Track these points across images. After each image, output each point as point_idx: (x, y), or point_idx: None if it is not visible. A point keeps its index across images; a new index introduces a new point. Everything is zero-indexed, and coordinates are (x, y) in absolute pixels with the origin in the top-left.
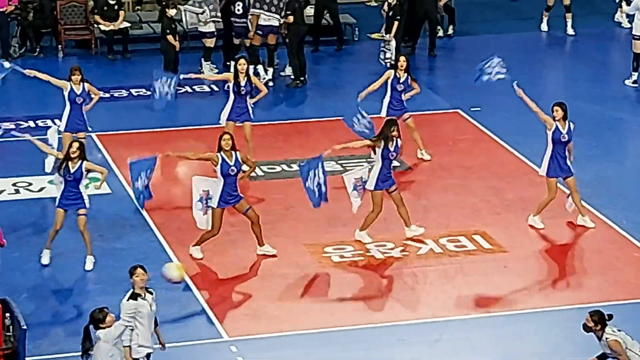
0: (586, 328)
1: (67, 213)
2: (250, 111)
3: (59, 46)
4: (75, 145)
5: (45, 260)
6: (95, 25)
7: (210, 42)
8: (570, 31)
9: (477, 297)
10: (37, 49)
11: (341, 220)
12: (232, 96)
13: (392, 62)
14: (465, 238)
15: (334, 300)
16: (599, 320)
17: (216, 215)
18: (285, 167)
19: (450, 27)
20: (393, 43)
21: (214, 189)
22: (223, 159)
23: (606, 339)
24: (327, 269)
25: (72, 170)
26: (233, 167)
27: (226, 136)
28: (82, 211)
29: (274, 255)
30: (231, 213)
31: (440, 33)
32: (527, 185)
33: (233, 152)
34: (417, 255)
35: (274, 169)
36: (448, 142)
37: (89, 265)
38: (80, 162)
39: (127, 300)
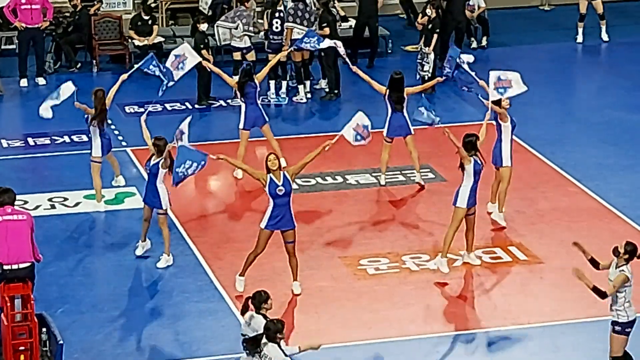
0: (615, 252)
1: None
2: (264, 113)
3: (94, 61)
4: (272, 157)
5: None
6: (130, 40)
7: (250, 56)
8: (604, 37)
9: (514, 309)
10: (78, 65)
11: (376, 233)
12: (243, 106)
13: (430, 76)
14: (500, 249)
15: (370, 312)
16: (629, 252)
17: (262, 236)
18: (319, 179)
19: (484, 39)
20: (432, 56)
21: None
22: (271, 179)
23: (621, 270)
24: (363, 281)
25: (279, 184)
26: (281, 187)
27: (272, 156)
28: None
29: (298, 294)
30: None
31: (474, 44)
32: (562, 195)
33: (281, 172)
34: (453, 267)
35: (309, 182)
36: (482, 153)
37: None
38: (283, 173)
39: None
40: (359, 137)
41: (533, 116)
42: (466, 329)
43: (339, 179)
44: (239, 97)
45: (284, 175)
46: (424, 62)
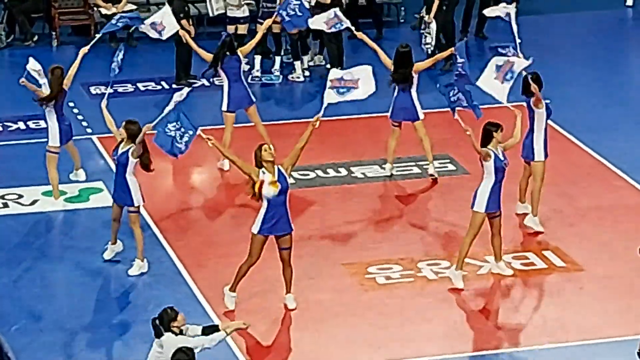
0: None
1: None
2: (250, 92)
3: (53, 33)
4: (267, 146)
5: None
6: (95, 9)
7: (243, 29)
8: (629, 1)
9: (549, 324)
10: (34, 37)
11: (386, 235)
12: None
13: (432, 49)
14: (533, 254)
15: (379, 330)
16: None
17: (255, 243)
18: (320, 173)
19: (513, 5)
20: (433, 26)
21: None
22: (264, 174)
23: None
24: (371, 292)
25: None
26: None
27: (267, 146)
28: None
29: (292, 309)
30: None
31: None
32: (606, 190)
33: (275, 166)
34: (477, 276)
35: (307, 175)
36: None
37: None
38: (278, 167)
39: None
40: (343, 90)
41: (572, 98)
42: (493, 349)
43: (343, 172)
44: (220, 74)
45: (279, 170)
46: (425, 33)
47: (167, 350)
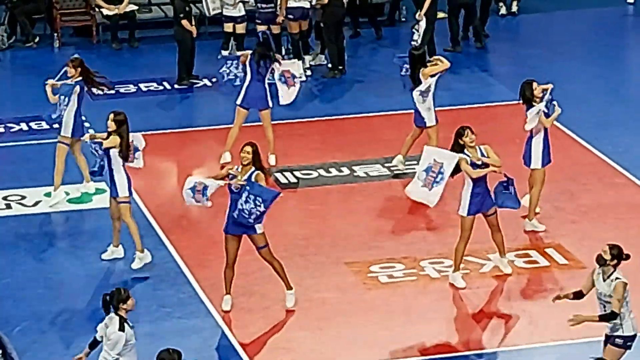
0: (600, 260)
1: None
2: (268, 96)
3: (55, 34)
4: (248, 149)
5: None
6: (97, 9)
7: (241, 28)
8: None
9: (552, 323)
10: (36, 39)
11: (388, 234)
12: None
13: (418, 47)
14: (536, 252)
15: (382, 329)
16: (616, 255)
17: (226, 243)
18: (322, 172)
19: (514, 3)
20: (422, 23)
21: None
22: (235, 171)
23: (616, 278)
24: (374, 291)
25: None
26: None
27: (248, 148)
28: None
29: (290, 309)
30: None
31: (503, 10)
32: (608, 188)
33: (251, 169)
34: (480, 274)
35: (310, 174)
36: (515, 139)
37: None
38: (252, 170)
39: (119, 330)
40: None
41: (574, 95)
42: (497, 347)
43: (345, 171)
44: (246, 69)
45: (251, 175)
46: (413, 30)
47: (108, 334)
